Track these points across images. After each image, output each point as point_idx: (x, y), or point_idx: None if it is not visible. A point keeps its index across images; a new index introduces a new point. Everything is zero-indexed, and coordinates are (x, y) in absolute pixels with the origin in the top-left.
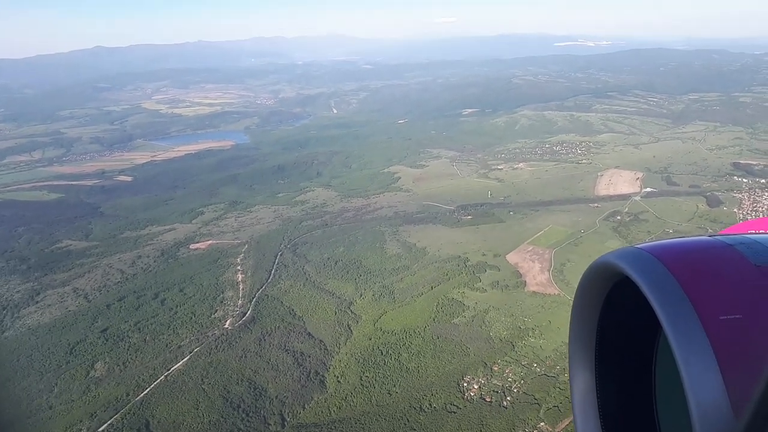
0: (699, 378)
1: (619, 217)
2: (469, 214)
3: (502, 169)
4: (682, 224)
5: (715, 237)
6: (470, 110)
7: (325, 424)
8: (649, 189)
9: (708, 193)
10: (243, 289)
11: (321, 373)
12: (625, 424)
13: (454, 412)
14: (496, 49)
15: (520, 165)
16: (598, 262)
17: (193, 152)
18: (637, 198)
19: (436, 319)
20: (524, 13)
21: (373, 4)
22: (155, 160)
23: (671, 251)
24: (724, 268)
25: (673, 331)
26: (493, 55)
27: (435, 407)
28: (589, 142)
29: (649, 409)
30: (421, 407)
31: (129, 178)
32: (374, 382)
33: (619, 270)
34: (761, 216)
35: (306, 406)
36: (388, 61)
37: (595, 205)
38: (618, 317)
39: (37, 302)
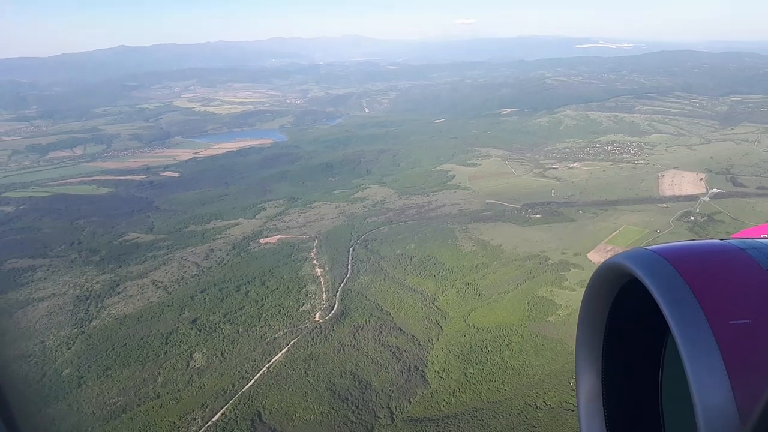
0: (706, 382)
1: (692, 218)
2: (537, 213)
3: (557, 168)
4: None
5: (727, 241)
6: (509, 110)
7: (439, 419)
8: (716, 190)
9: None
10: (324, 283)
11: (420, 368)
12: (630, 427)
13: (572, 410)
14: (517, 51)
15: (576, 164)
16: (607, 262)
17: (234, 149)
18: (706, 198)
19: (530, 317)
20: (541, 15)
21: (389, 5)
22: (198, 157)
23: (682, 254)
24: (735, 272)
25: (681, 334)
26: (515, 56)
27: (551, 405)
28: (640, 142)
29: (655, 413)
30: (536, 405)
31: (176, 174)
32: (480, 378)
33: (629, 271)
34: None
35: (411, 400)
36: (410, 61)
37: (664, 205)
38: (626, 319)
39: (118, 293)
